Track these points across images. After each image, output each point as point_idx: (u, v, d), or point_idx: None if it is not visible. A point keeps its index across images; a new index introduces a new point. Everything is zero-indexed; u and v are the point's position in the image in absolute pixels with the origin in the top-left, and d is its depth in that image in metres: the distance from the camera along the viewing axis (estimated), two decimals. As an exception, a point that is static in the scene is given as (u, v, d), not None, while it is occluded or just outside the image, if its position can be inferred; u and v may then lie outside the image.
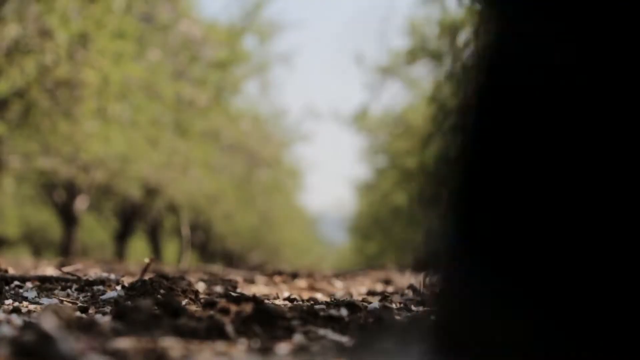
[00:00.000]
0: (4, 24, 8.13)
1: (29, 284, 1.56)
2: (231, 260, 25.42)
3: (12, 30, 8.20)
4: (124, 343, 0.71)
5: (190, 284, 1.72)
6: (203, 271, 5.48)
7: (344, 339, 0.83)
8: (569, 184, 0.92)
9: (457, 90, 1.17)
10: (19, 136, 10.21)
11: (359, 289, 3.62)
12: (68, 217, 15.02)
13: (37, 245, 23.95)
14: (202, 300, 1.41)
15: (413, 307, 1.42)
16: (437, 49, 11.93)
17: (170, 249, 22.78)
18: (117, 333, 0.75)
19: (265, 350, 0.74)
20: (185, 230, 15.89)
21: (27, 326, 0.81)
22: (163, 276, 1.90)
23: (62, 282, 1.57)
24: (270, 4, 20.79)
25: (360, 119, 17.75)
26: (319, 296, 2.94)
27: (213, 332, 0.78)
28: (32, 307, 1.19)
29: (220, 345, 0.75)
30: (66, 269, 2.02)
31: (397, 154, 17.16)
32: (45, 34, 8.40)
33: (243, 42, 14.69)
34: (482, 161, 1.02)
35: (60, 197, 15.24)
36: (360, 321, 0.96)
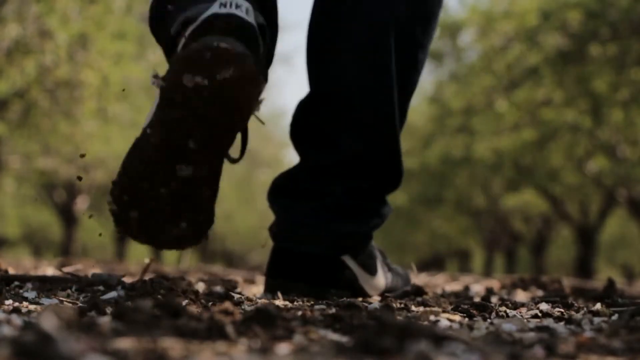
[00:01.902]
0: (4, 24, 8.14)
1: (29, 284, 1.56)
2: (231, 260, 25.40)
3: (12, 31, 8.20)
4: (124, 343, 0.71)
5: (190, 284, 1.72)
6: (203, 271, 5.49)
7: (344, 339, 0.83)
8: None
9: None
10: (19, 136, 10.21)
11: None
12: (68, 217, 15.02)
13: (37, 245, 23.96)
14: (202, 301, 1.42)
15: (413, 308, 1.42)
16: (438, 49, 11.93)
17: (170, 249, 22.74)
18: (117, 333, 0.75)
19: (266, 350, 0.74)
20: (186, 231, 15.84)
21: (27, 326, 0.81)
22: (163, 276, 1.90)
23: (62, 283, 1.57)
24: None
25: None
26: (319, 296, 2.93)
27: (213, 332, 0.78)
28: (32, 307, 1.18)
29: (220, 346, 0.75)
30: (66, 269, 2.02)
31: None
32: (45, 34, 8.41)
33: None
34: None
35: (60, 197, 15.24)
36: (360, 321, 0.96)
